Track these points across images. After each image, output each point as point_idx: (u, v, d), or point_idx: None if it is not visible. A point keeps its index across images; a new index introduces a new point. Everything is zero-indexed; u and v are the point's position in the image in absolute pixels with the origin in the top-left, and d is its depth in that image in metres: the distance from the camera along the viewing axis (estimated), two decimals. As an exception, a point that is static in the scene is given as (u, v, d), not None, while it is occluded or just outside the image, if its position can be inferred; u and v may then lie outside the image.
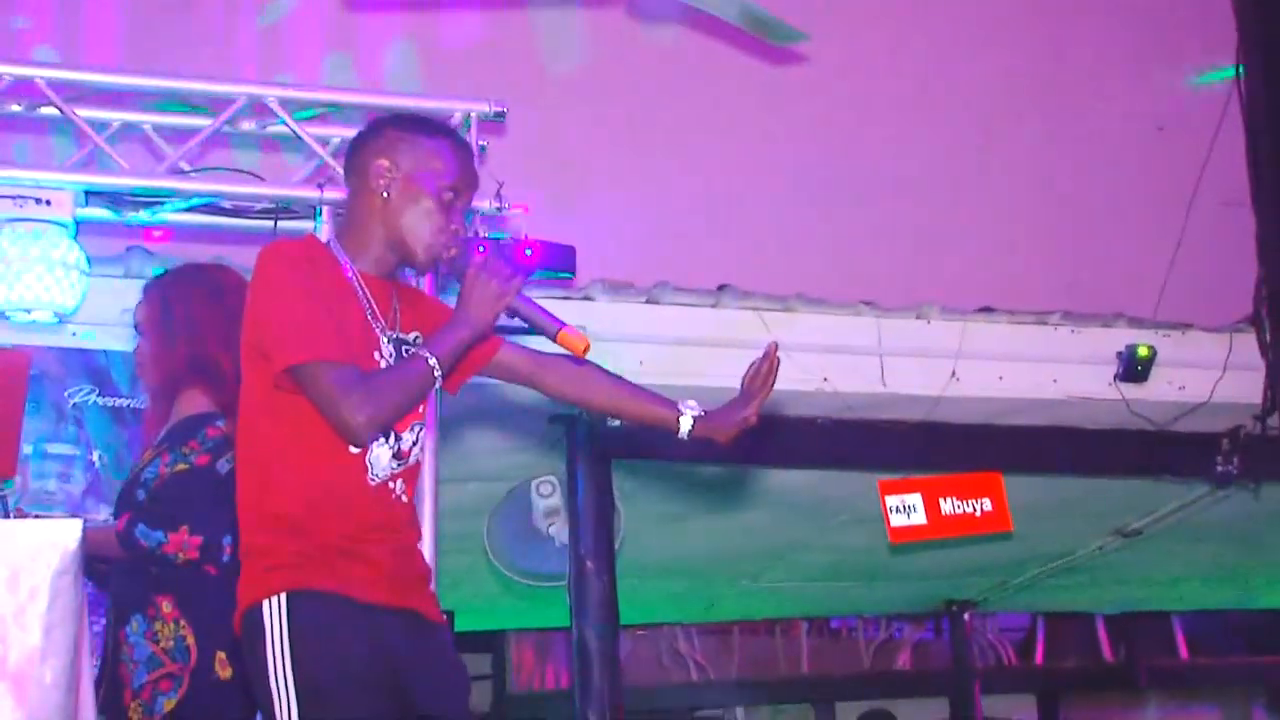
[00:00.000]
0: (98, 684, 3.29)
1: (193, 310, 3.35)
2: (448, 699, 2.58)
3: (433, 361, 2.47)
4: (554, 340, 2.56)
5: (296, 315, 2.47)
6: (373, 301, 2.60)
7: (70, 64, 4.14)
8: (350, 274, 2.59)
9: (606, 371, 2.81)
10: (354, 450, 2.50)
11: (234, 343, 2.62)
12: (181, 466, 3.25)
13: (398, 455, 2.57)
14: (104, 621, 3.38)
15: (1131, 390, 5.64)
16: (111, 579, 3.34)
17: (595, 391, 2.80)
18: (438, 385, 2.52)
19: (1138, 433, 5.73)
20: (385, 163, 2.60)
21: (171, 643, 3.18)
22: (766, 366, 2.71)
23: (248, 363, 2.54)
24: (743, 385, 2.72)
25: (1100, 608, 9.78)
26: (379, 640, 2.47)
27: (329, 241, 2.67)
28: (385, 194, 2.60)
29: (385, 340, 2.59)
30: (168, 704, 3.15)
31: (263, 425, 2.51)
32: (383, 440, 2.53)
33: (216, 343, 3.25)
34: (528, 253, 4.34)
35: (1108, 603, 9.28)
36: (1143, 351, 5.60)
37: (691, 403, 2.75)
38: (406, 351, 2.58)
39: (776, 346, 2.71)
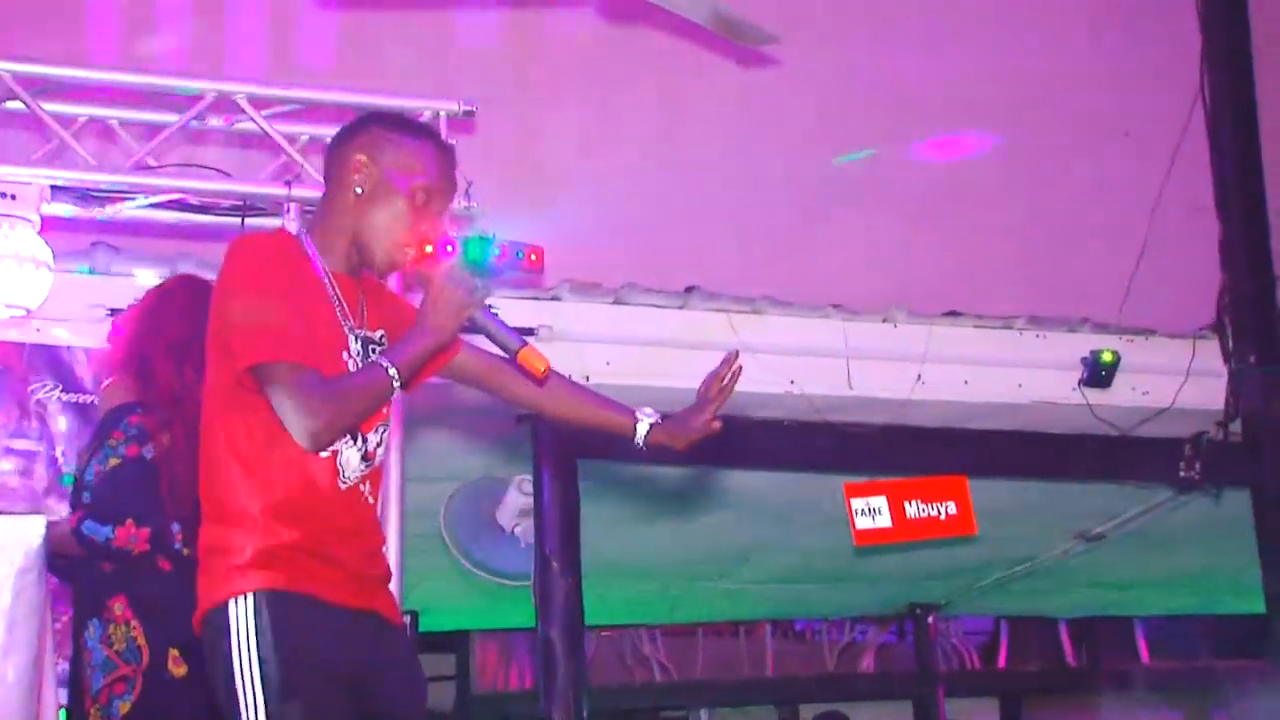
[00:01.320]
0: (65, 687, 3.29)
1: (161, 318, 3.37)
2: (408, 702, 2.57)
3: (392, 371, 2.44)
4: (514, 358, 2.54)
5: (261, 314, 2.44)
6: (342, 299, 2.57)
7: (37, 58, 4.10)
8: (320, 270, 2.56)
9: (562, 377, 2.79)
10: (324, 455, 2.49)
11: (177, 355, 2.62)
12: (114, 461, 3.25)
13: (365, 457, 2.56)
14: (69, 618, 3.38)
15: (1096, 395, 5.68)
16: (72, 583, 3.33)
17: (552, 397, 2.77)
18: (396, 393, 2.49)
19: (1101, 438, 5.77)
20: (363, 158, 2.57)
21: (124, 644, 3.17)
22: (727, 374, 2.69)
23: (213, 357, 2.51)
24: (700, 392, 2.71)
25: (1063, 611, 9.83)
26: (345, 642, 2.46)
27: (300, 235, 2.64)
28: (359, 189, 2.57)
29: (353, 339, 2.56)
30: (123, 706, 3.14)
31: (230, 422, 2.48)
32: (350, 442, 2.52)
33: (161, 352, 3.30)
34: (449, 249, 4.30)
35: (1071, 606, 9.33)
36: (1107, 357, 5.64)
37: (648, 410, 2.73)
38: (373, 350, 2.56)
39: (738, 354, 2.69)
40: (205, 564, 2.50)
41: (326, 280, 2.57)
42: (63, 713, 3.32)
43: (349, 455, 2.52)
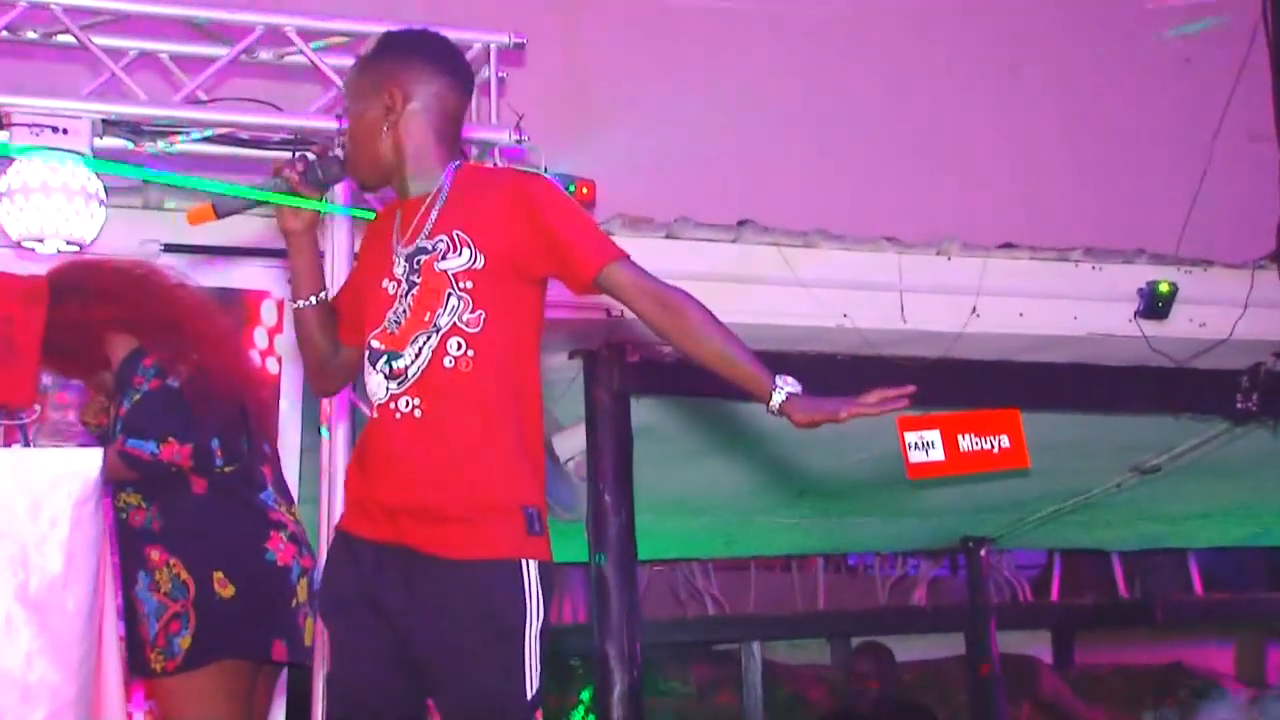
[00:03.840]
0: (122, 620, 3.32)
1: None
2: (432, 643, 2.42)
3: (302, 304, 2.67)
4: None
5: None
6: (402, 222, 2.54)
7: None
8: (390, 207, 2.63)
9: (715, 321, 2.60)
10: (367, 390, 2.55)
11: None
12: (137, 398, 3.24)
13: (391, 375, 2.46)
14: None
15: (1152, 327, 5.61)
16: (115, 543, 3.34)
17: (702, 344, 2.59)
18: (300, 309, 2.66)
19: (1157, 369, 5.71)
20: (394, 91, 2.53)
21: (170, 585, 3.19)
22: (890, 403, 2.53)
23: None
24: (866, 396, 2.54)
25: (1116, 544, 9.80)
26: (366, 579, 2.47)
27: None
28: (386, 125, 2.54)
29: (398, 261, 2.51)
30: (183, 642, 3.17)
31: None
32: (370, 368, 2.51)
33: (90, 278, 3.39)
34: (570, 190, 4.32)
35: (1124, 539, 9.29)
36: (1164, 288, 5.56)
37: (789, 380, 2.56)
38: (418, 262, 2.48)
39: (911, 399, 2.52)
40: None
41: (394, 214, 2.58)
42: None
43: (372, 382, 2.51)
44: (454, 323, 2.44)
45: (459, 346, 2.44)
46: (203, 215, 2.55)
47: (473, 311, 2.44)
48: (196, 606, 3.17)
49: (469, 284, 2.44)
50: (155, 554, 3.21)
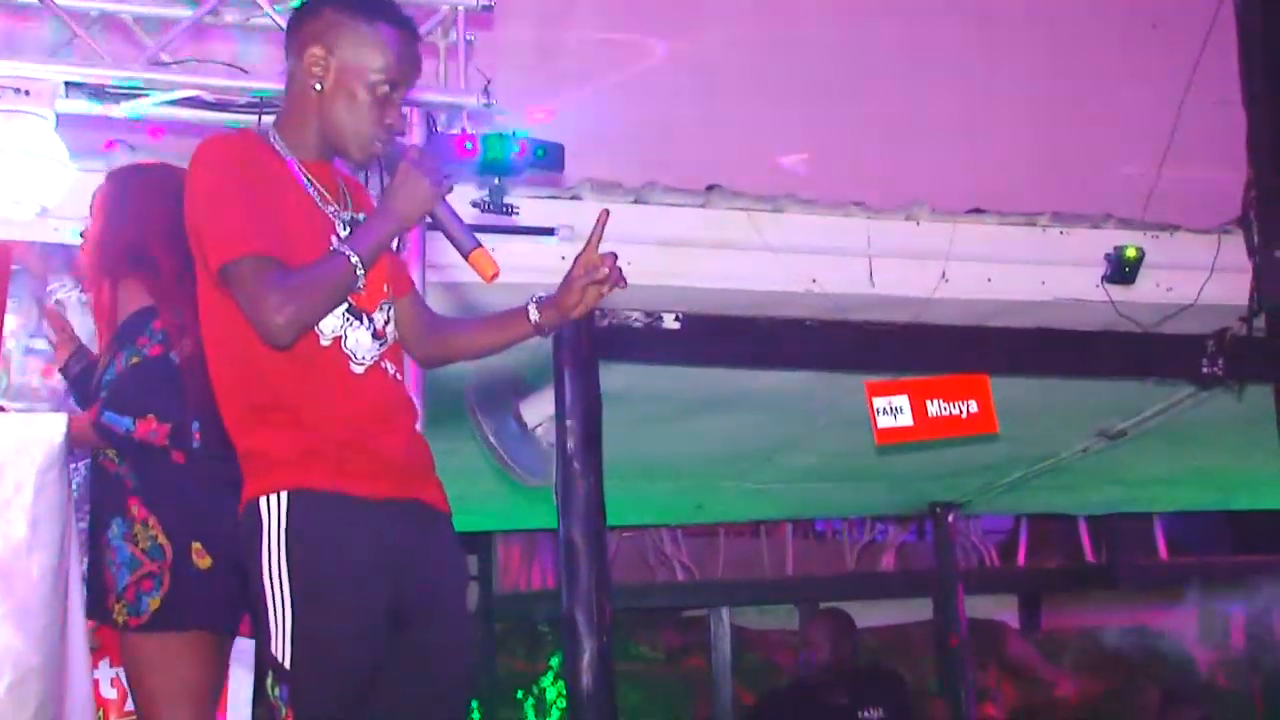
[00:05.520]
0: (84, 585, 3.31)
1: (143, 203, 3.34)
2: (446, 595, 2.58)
3: (355, 259, 2.42)
4: (465, 257, 2.51)
5: (223, 214, 2.43)
6: (319, 186, 2.56)
7: (48, -48, 4.03)
8: (292, 164, 2.55)
9: (455, 320, 2.79)
10: (325, 343, 2.47)
11: (176, 242, 2.60)
12: (135, 360, 3.24)
13: (376, 335, 2.54)
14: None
15: (1119, 292, 5.63)
16: (89, 485, 3.34)
17: (458, 344, 2.75)
18: (360, 281, 2.45)
19: (1124, 334, 5.73)
20: (319, 51, 2.52)
21: (148, 543, 3.19)
22: (602, 268, 2.59)
23: (196, 260, 2.51)
24: (573, 273, 2.61)
25: (1083, 509, 9.86)
26: (378, 538, 2.46)
27: (267, 132, 2.60)
28: (317, 85, 2.53)
29: (339, 223, 2.55)
30: (152, 602, 3.17)
31: (226, 323, 2.48)
32: (355, 323, 2.50)
33: (158, 238, 3.25)
34: (468, 146, 4.26)
35: (1090, 504, 9.35)
36: (1131, 253, 5.58)
37: (538, 295, 2.67)
38: None
39: (616, 257, 2.60)
40: (244, 466, 2.51)
41: (299, 171, 2.55)
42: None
43: (357, 337, 2.51)
44: (392, 296, 2.63)
45: (394, 315, 2.64)
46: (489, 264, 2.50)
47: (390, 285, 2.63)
48: (173, 572, 3.17)
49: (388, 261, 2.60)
50: (136, 508, 3.21)
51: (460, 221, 2.51)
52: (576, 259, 2.61)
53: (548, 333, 2.66)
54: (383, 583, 2.45)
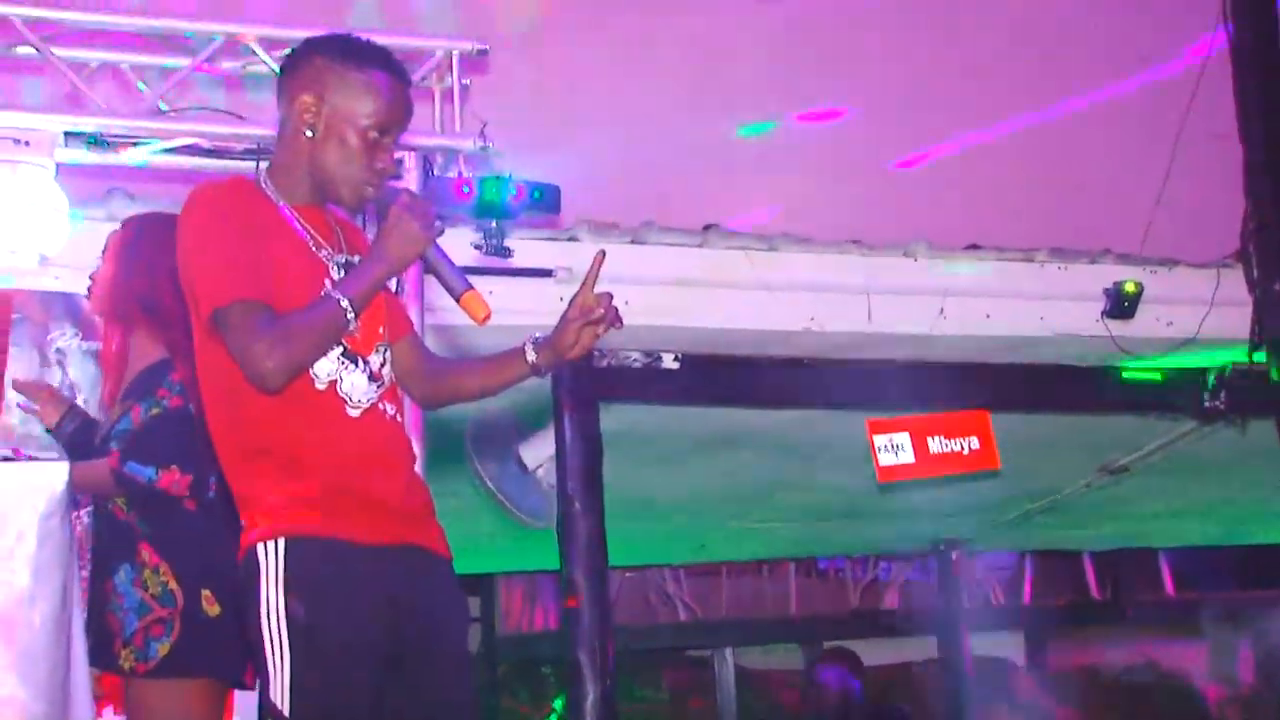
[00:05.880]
0: (85, 632, 3.30)
1: (156, 253, 3.34)
2: (446, 639, 2.57)
3: (344, 303, 2.41)
4: (456, 300, 2.50)
5: (213, 261, 2.43)
6: (312, 231, 2.56)
7: (47, 2, 4.07)
8: (284, 209, 2.55)
9: (454, 361, 2.78)
10: (321, 387, 2.47)
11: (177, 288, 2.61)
12: (156, 411, 3.24)
13: (372, 377, 2.54)
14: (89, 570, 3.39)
15: (1119, 327, 5.64)
16: (94, 531, 3.34)
17: (457, 385, 2.74)
18: (352, 325, 2.45)
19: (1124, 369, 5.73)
20: (309, 99, 2.52)
21: (158, 589, 3.19)
22: (596, 310, 2.58)
23: (189, 306, 2.51)
24: (569, 314, 2.60)
25: (1087, 545, 9.83)
26: (376, 584, 2.45)
27: (260, 178, 2.60)
28: (309, 132, 2.53)
29: (334, 266, 2.55)
30: (161, 648, 3.16)
31: (218, 369, 2.48)
32: (350, 366, 2.51)
33: (170, 288, 3.25)
34: (465, 189, 4.27)
35: (1095, 540, 9.33)
36: (1130, 288, 5.59)
37: (536, 335, 2.66)
38: None
39: (611, 297, 2.60)
40: (241, 512, 2.51)
41: (291, 216, 2.55)
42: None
43: (353, 380, 2.51)
44: (388, 338, 2.63)
45: (390, 357, 2.64)
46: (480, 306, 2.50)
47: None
48: (183, 619, 3.16)
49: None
50: (147, 553, 3.21)
51: (452, 264, 2.52)
52: (572, 300, 2.61)
53: (544, 373, 2.66)
54: (381, 628, 2.44)
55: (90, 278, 3.53)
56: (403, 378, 2.70)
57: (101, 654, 3.22)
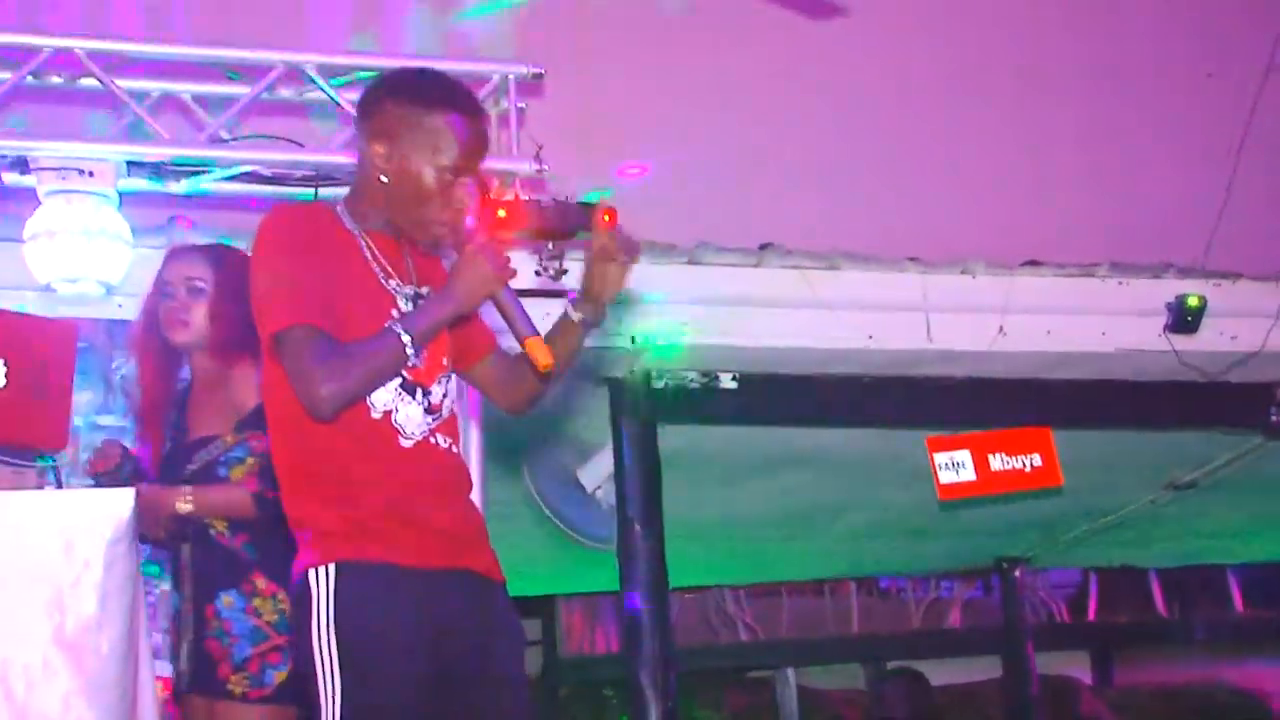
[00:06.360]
0: (176, 656, 3.32)
1: None
2: (500, 662, 2.56)
3: (406, 338, 2.41)
4: (520, 343, 2.50)
5: (278, 285, 2.45)
6: (383, 261, 2.56)
7: (110, 34, 4.13)
8: (357, 238, 2.56)
9: (517, 362, 2.74)
10: (376, 416, 2.49)
11: None
12: None
13: (429, 410, 2.55)
14: (174, 593, 3.40)
15: (1182, 341, 5.57)
16: (194, 555, 3.35)
17: (529, 382, 2.72)
18: (412, 360, 2.45)
19: (1189, 384, 5.67)
20: (382, 148, 2.53)
21: (275, 616, 3.20)
22: (616, 248, 2.58)
23: (259, 330, 2.53)
24: (587, 260, 2.61)
25: (1153, 562, 9.71)
26: (426, 608, 2.45)
27: (337, 206, 2.62)
28: (384, 178, 2.54)
29: (402, 298, 2.55)
30: (278, 675, 3.19)
31: (281, 393, 2.49)
32: (408, 398, 2.51)
33: None
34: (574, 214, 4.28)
35: (1161, 557, 9.22)
36: (1192, 301, 5.53)
37: (569, 294, 2.67)
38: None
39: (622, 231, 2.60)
40: (295, 536, 2.52)
41: (364, 245, 2.56)
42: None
43: (408, 412, 2.51)
44: (451, 368, 2.64)
45: (453, 388, 2.64)
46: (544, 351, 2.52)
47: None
48: None
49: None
50: (261, 582, 3.24)
51: (521, 308, 2.51)
52: (589, 245, 2.61)
53: (596, 324, 2.64)
54: (431, 653, 2.44)
55: (175, 309, 3.48)
56: (489, 392, 2.75)
57: (202, 679, 3.24)
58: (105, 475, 3.38)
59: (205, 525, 3.32)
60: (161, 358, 3.50)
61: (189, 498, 3.29)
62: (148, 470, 3.43)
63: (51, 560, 2.70)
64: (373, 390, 2.47)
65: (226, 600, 3.24)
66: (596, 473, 5.61)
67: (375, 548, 2.45)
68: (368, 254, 2.56)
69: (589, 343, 2.72)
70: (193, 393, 3.49)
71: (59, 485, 3.62)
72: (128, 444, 3.56)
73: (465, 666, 2.49)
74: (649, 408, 5.27)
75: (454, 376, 2.65)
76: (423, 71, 2.68)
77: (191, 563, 3.34)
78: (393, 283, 2.56)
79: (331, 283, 2.47)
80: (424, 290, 2.60)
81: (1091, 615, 10.99)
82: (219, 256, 3.48)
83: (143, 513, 3.25)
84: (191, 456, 3.38)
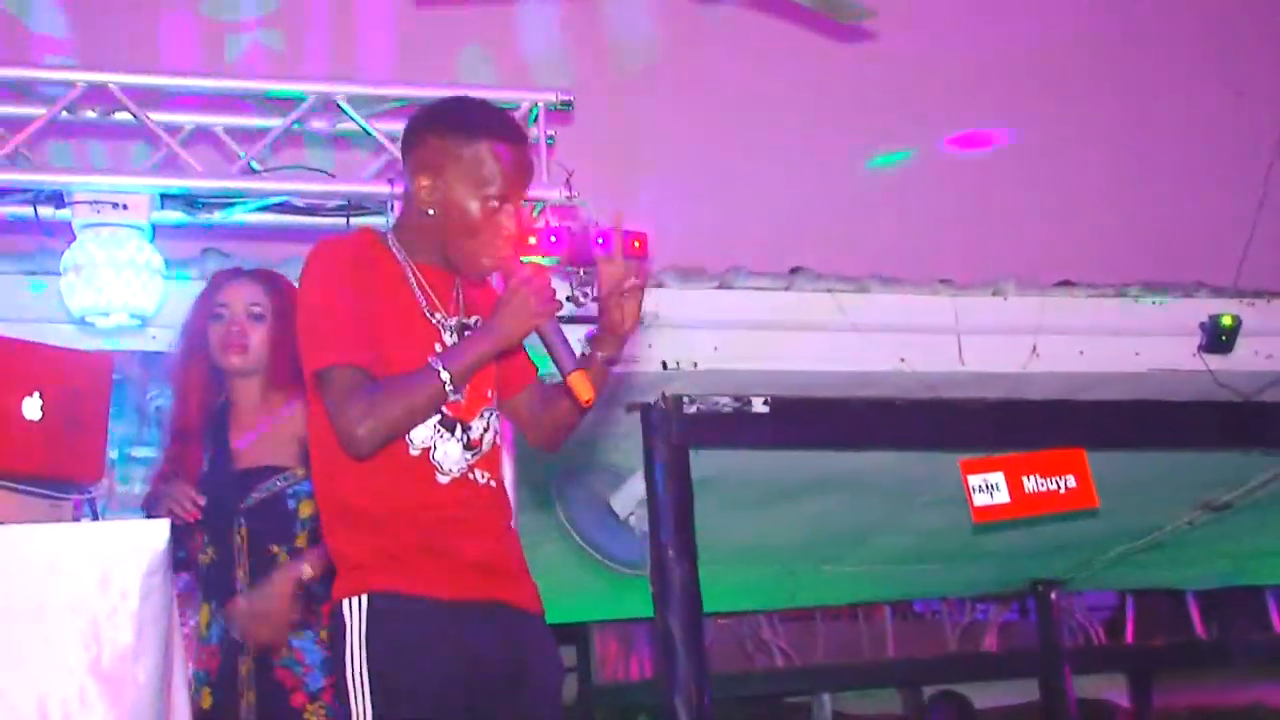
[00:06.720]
0: (226, 683, 3.32)
1: None
2: (533, 694, 2.56)
3: (445, 375, 2.41)
4: (563, 377, 2.49)
5: (321, 321, 2.46)
6: (430, 293, 2.57)
7: (143, 69, 4.18)
8: (405, 267, 2.56)
9: (546, 392, 2.73)
10: (415, 453, 2.49)
11: None
12: None
13: (469, 445, 2.55)
14: (201, 623, 3.41)
15: (1216, 361, 5.54)
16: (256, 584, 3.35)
17: (554, 417, 2.70)
18: (452, 398, 2.45)
19: (1224, 404, 5.63)
20: (427, 181, 2.53)
21: None
22: (631, 279, 2.53)
23: (303, 366, 2.54)
24: (601, 293, 2.56)
25: (1191, 583, 9.63)
26: (458, 640, 2.46)
27: (387, 234, 2.62)
28: (430, 211, 2.54)
29: (447, 331, 2.56)
30: None
31: (322, 427, 2.50)
32: (446, 434, 2.51)
33: None
34: (552, 239, 4.28)
35: (1199, 578, 9.14)
36: (1226, 321, 5.50)
37: (587, 331, 2.63)
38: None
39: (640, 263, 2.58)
40: (336, 566, 2.53)
41: (411, 276, 2.56)
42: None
43: (446, 449, 2.51)
44: (496, 400, 2.62)
45: (496, 421, 2.62)
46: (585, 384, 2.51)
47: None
48: None
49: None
50: None
51: (565, 342, 2.50)
52: (601, 278, 2.56)
53: (617, 360, 2.61)
54: (461, 685, 2.44)
55: (235, 336, 3.45)
56: (523, 425, 2.73)
57: (276, 707, 3.25)
58: (181, 526, 3.35)
59: (272, 555, 3.32)
60: (208, 379, 3.49)
61: (308, 564, 3.27)
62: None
63: (88, 592, 2.71)
64: (411, 428, 2.47)
65: (297, 632, 3.26)
66: (629, 498, 5.60)
67: (406, 580, 2.46)
68: (414, 286, 2.56)
69: (619, 367, 2.71)
70: (235, 417, 3.48)
71: (95, 517, 3.64)
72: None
73: (496, 699, 2.49)
74: (681, 433, 5.26)
75: (497, 409, 2.64)
76: (463, 101, 2.67)
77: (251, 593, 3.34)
78: (438, 316, 2.56)
79: (375, 318, 2.47)
80: (471, 321, 2.60)
81: (1129, 637, 10.89)
82: (275, 284, 3.50)
83: (254, 617, 3.26)
84: (252, 486, 3.38)
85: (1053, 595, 8.28)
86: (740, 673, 10.03)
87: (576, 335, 2.60)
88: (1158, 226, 5.96)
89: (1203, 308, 5.58)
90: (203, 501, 3.38)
